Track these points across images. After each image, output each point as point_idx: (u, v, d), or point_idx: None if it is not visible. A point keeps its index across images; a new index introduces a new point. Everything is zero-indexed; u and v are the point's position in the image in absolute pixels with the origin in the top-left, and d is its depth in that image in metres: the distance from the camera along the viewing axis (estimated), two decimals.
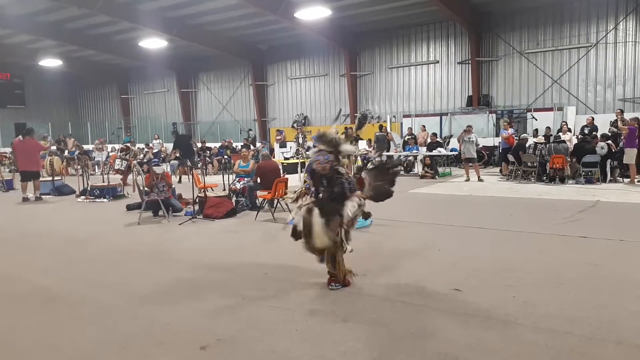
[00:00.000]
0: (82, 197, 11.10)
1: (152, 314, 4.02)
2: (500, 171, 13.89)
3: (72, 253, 6.15)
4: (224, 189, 9.59)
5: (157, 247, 6.47)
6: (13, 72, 27.98)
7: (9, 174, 14.26)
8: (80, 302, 4.34)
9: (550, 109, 16.97)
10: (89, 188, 11.25)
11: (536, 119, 16.29)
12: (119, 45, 22.86)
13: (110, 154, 20.01)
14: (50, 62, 24.87)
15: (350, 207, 4.25)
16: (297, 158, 17.23)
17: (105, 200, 10.79)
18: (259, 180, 8.98)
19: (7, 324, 3.89)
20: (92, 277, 5.12)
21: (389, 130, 17.78)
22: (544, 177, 12.01)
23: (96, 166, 17.96)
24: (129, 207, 9.17)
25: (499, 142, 14.81)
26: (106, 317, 3.98)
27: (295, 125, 22.43)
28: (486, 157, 16.34)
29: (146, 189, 8.55)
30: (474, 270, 4.91)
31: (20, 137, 11.61)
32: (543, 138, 14.36)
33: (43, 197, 11.43)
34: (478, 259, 5.37)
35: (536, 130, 15.72)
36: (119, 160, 14.06)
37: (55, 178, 12.87)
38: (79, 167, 13.45)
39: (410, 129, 17.51)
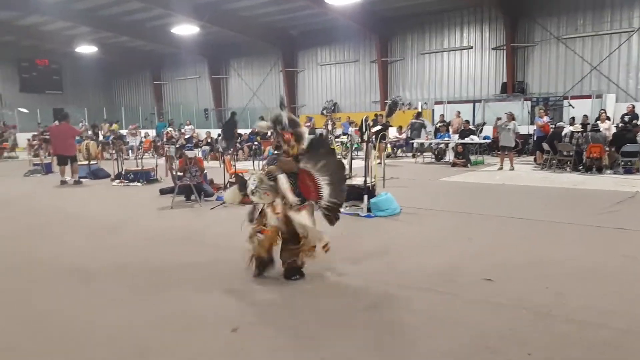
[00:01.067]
0: (117, 180, 11.37)
1: (185, 295, 4.11)
2: (535, 160, 13.57)
3: (107, 235, 6.32)
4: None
5: (189, 230, 6.59)
6: (51, 59, 28.80)
7: (48, 158, 14.70)
8: (113, 283, 4.47)
9: (589, 97, 16.42)
10: (123, 172, 11.52)
11: (573, 107, 15.82)
12: (152, 32, 23.19)
13: (144, 139, 20.44)
14: (86, 49, 25.49)
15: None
16: None
17: (139, 184, 11.03)
18: None
19: (45, 301, 4.04)
20: (125, 258, 5.26)
21: (420, 117, 17.56)
22: (580, 167, 11.67)
23: (130, 151, 18.36)
24: (162, 191, 9.35)
25: (534, 130, 14.46)
26: (139, 297, 4.09)
27: (324, 112, 22.41)
28: (520, 146, 15.95)
29: (179, 173, 8.70)
30: (505, 260, 4.83)
31: (56, 122, 11.90)
32: (580, 126, 13.93)
33: (83, 179, 11.67)
34: (510, 248, 5.29)
35: (573, 118, 15.26)
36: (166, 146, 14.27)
37: (91, 162, 13.21)
38: (113, 151, 13.77)
39: (442, 115, 17.22)
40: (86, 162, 13.09)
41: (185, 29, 21.05)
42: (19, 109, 25.20)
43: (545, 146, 12.37)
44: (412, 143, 16.55)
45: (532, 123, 15.77)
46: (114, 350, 3.14)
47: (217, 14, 19.75)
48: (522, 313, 3.56)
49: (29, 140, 19.12)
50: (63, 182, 11.39)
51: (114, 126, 22.38)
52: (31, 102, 27.10)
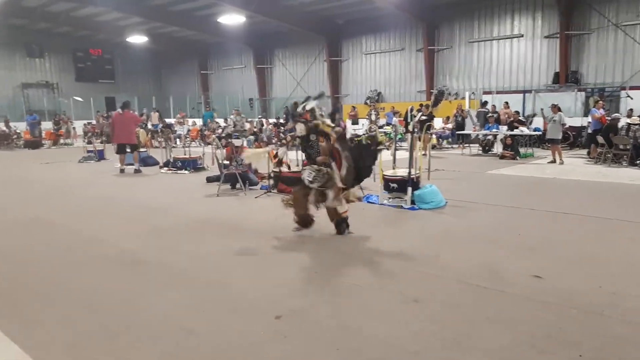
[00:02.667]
0: (165, 168, 11.69)
1: (228, 281, 4.19)
2: (588, 153, 13.00)
3: (154, 220, 6.52)
4: (297, 165, 9.72)
5: (234, 218, 6.72)
6: (104, 48, 29.85)
7: (101, 145, 15.28)
8: (159, 267, 4.61)
9: None
10: (171, 160, 11.84)
11: (631, 98, 15.03)
12: (200, 22, 23.60)
13: (191, 127, 20.92)
14: (137, 39, 26.25)
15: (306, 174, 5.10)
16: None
17: (186, 172, 11.30)
18: None
19: (95, 283, 4.22)
20: (171, 243, 5.42)
21: (467, 107, 17.13)
22: (638, 161, 11.09)
23: (177, 139, 18.83)
24: (209, 179, 9.55)
25: (588, 123, 13.84)
26: (183, 282, 4.20)
27: (368, 101, 22.21)
28: (572, 138, 15.32)
29: (225, 162, 8.86)
30: (556, 257, 4.67)
31: (119, 109, 11.86)
32: (638, 118, 13.21)
33: (128, 167, 11.83)
34: (561, 245, 5.10)
35: (631, 110, 14.46)
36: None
37: (141, 150, 13.63)
38: (162, 139, 14.15)
39: (493, 106, 16.70)
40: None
41: (232, 19, 21.30)
42: (74, 97, 26.33)
43: (600, 139, 11.82)
44: (460, 134, 16.20)
45: (585, 115, 15.09)
46: (162, 330, 3.25)
47: (263, 3, 19.86)
48: (572, 312, 3.43)
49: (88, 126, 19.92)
50: (122, 171, 11.44)
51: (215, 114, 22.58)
52: (85, 91, 28.26)
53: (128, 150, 11.66)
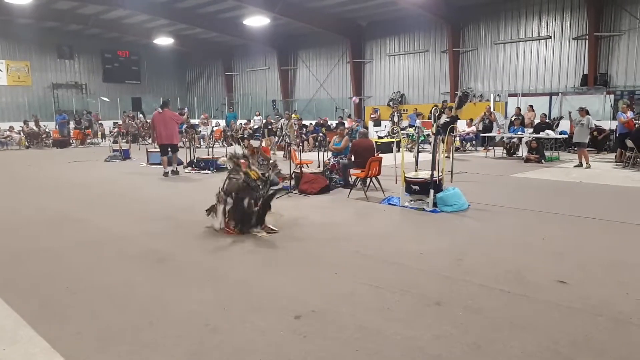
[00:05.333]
0: (189, 168, 11.84)
1: (251, 280, 4.23)
2: (616, 157, 12.69)
3: (180, 218, 6.62)
4: (319, 166, 9.76)
5: None
6: (131, 50, 30.40)
7: (126, 144, 15.56)
8: (185, 265, 4.68)
9: None
10: (195, 160, 11.98)
11: None
12: (225, 24, 23.83)
13: (214, 128, 21.15)
14: (163, 40, 26.66)
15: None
16: (392, 137, 17.04)
17: (209, 172, 11.43)
18: (353, 158, 9.02)
19: (124, 279, 4.31)
20: (196, 241, 5.49)
21: (492, 110, 16.90)
22: None
23: (201, 140, 19.06)
24: None
25: (616, 126, 13.51)
26: (209, 280, 4.26)
27: (391, 103, 22.12)
28: (605, 140, 14.87)
29: None
30: (582, 263, 4.58)
31: (158, 109, 11.23)
32: None
33: (154, 166, 11.91)
34: (587, 250, 5.00)
35: None
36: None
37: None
38: (186, 139, 14.33)
39: (518, 108, 16.42)
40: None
41: (256, 21, 21.45)
42: (102, 97, 26.92)
43: (629, 143, 11.53)
44: (484, 136, 16.00)
45: (614, 118, 14.72)
46: (186, 327, 3.29)
47: (287, 5, 19.96)
48: (598, 320, 3.36)
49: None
50: (166, 174, 10.91)
51: (294, 116, 22.59)
52: (112, 92, 28.88)
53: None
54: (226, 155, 6.51)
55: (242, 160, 6.10)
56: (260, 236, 5.67)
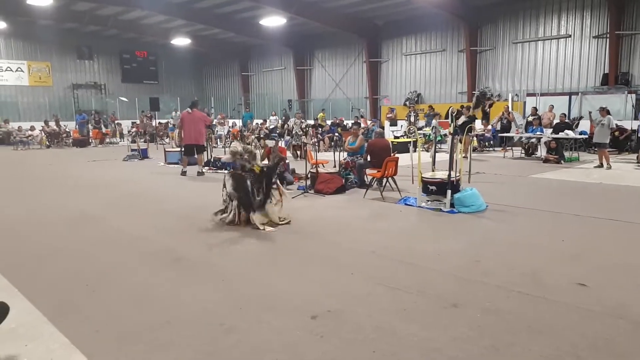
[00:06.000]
0: (206, 167, 11.92)
1: (267, 280, 4.25)
2: (638, 158, 12.45)
3: (196, 217, 6.67)
4: (335, 166, 9.75)
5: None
6: (149, 50, 30.76)
7: (144, 144, 15.74)
8: (201, 264, 4.72)
9: None
10: (212, 159, 12.06)
11: None
12: (242, 24, 23.97)
13: (231, 128, 21.28)
14: (180, 41, 26.91)
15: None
16: (408, 137, 16.95)
17: (226, 171, 11.46)
18: (369, 157, 9.00)
19: (142, 277, 4.37)
20: (211, 240, 5.53)
21: (510, 109, 16.71)
22: None
23: (218, 139, 19.19)
24: None
25: (638, 126, 13.26)
26: (225, 279, 4.28)
27: (407, 103, 22.02)
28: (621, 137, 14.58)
29: (264, 162, 8.95)
30: (602, 265, 4.50)
31: (188, 109, 11.22)
32: None
33: (172, 165, 12.02)
34: (607, 252, 4.91)
35: None
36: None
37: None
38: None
39: (535, 108, 16.23)
40: (178, 149, 13.86)
41: (273, 21, 21.53)
42: (120, 97, 27.27)
43: None
44: (502, 136, 15.84)
45: (636, 118, 14.45)
46: (202, 327, 3.32)
47: (303, 5, 19.99)
48: (618, 323, 3.30)
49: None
50: (184, 173, 10.97)
51: (320, 115, 22.99)
52: (131, 92, 29.24)
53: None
54: (229, 153, 6.76)
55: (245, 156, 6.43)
56: (267, 231, 5.83)
